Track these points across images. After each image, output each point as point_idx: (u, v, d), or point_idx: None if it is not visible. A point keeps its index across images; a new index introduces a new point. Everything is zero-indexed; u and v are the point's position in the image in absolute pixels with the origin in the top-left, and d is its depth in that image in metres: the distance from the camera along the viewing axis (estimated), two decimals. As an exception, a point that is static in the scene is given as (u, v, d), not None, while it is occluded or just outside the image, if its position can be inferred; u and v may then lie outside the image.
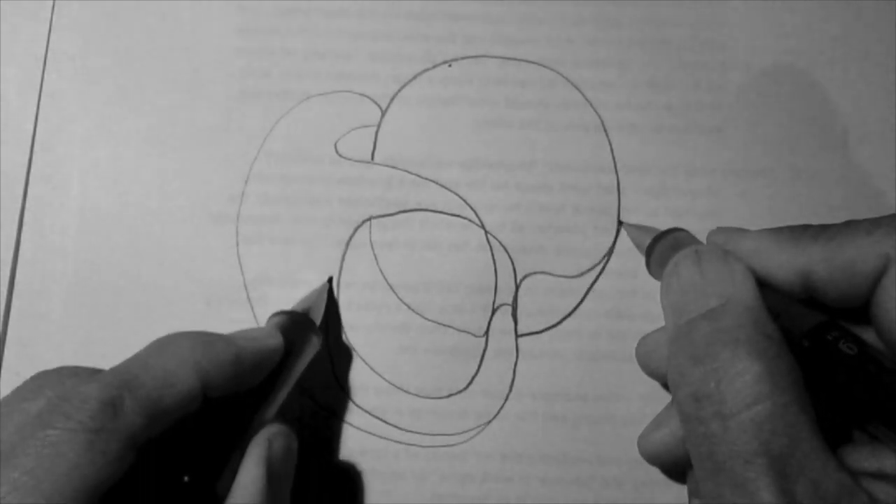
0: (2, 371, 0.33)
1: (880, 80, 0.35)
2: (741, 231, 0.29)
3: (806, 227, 0.27)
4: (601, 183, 0.34)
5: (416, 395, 0.33)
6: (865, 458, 0.25)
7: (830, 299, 0.27)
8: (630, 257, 0.34)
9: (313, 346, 0.31)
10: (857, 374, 0.24)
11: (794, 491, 0.23)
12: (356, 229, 0.34)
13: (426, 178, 0.35)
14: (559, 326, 0.33)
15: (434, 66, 0.35)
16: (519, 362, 0.33)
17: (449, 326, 0.34)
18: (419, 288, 0.34)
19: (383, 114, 0.35)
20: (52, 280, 0.34)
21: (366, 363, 0.33)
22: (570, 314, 0.34)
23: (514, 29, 0.36)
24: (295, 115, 0.35)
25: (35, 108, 0.35)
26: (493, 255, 0.34)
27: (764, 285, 0.27)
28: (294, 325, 0.30)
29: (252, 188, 0.35)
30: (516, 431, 0.33)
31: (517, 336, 0.33)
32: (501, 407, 0.33)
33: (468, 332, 0.33)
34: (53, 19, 0.36)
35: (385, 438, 0.33)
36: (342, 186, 0.35)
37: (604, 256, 0.34)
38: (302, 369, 0.30)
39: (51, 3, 0.36)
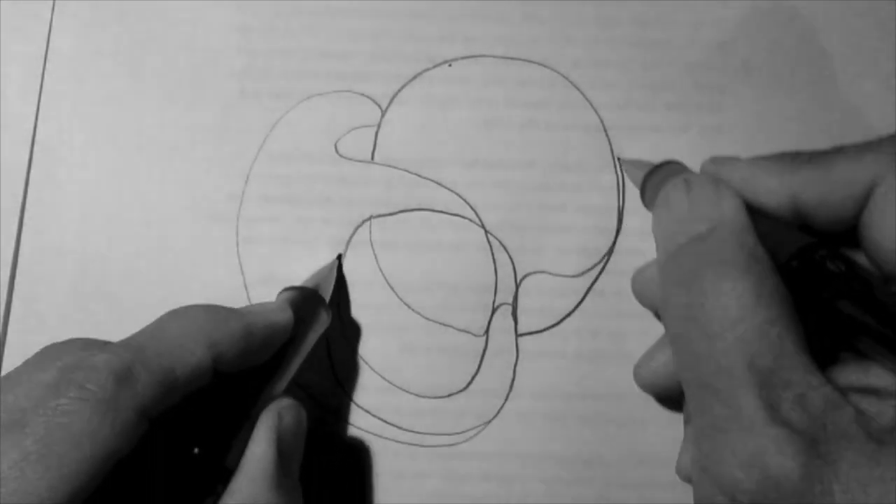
0: (2, 371, 0.33)
1: (887, 81, 0.35)
2: (733, 159, 0.29)
3: (797, 153, 0.28)
4: (601, 183, 0.34)
5: (416, 394, 0.33)
6: (853, 374, 0.25)
7: (820, 223, 0.27)
8: (630, 257, 0.34)
9: (323, 322, 0.31)
10: (844, 292, 0.24)
11: (779, 404, 0.23)
12: (356, 229, 0.34)
13: (426, 178, 0.35)
14: (559, 326, 0.33)
15: (434, 66, 0.35)
16: (519, 362, 0.33)
17: (449, 326, 0.34)
18: (419, 288, 0.34)
19: (383, 114, 0.35)
20: (52, 280, 0.34)
21: (366, 363, 0.33)
22: (570, 314, 0.34)
23: (514, 29, 0.36)
24: (295, 115, 0.35)
25: (35, 108, 0.35)
26: (493, 254, 0.34)
27: (754, 210, 0.27)
28: (304, 300, 0.30)
29: (252, 188, 0.35)
30: (516, 431, 0.33)
31: (517, 336, 0.33)
32: (501, 407, 0.33)
33: (468, 332, 0.33)
34: (53, 19, 0.36)
35: (385, 438, 0.33)
36: (342, 186, 0.35)
37: (604, 256, 0.34)
38: (312, 345, 0.30)
39: (51, 3, 0.36)
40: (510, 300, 0.34)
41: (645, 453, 0.33)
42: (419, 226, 0.34)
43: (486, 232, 0.34)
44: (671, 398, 0.33)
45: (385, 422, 0.33)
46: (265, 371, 0.28)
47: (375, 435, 0.33)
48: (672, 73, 0.35)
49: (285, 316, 0.29)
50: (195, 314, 0.26)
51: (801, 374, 0.23)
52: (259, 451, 0.26)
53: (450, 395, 0.33)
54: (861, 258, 0.26)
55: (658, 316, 0.33)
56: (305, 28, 0.36)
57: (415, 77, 0.35)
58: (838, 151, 0.27)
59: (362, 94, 0.35)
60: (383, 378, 0.33)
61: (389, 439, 0.33)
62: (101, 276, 0.34)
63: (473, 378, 0.33)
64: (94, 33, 0.36)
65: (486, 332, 0.33)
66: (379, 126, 0.35)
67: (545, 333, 0.34)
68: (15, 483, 0.21)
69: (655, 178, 0.30)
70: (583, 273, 0.34)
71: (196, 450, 0.25)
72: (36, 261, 0.34)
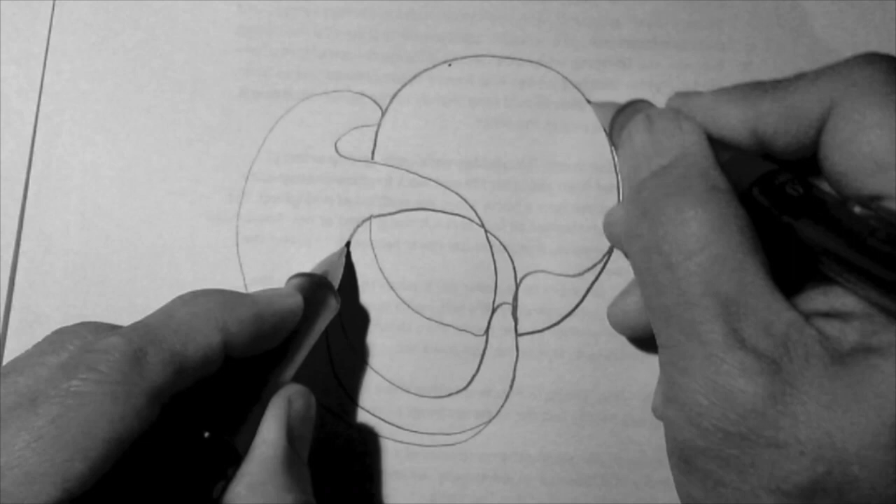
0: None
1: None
2: (697, 93, 0.29)
3: (758, 83, 0.28)
4: (601, 183, 0.34)
5: (416, 394, 0.33)
6: (818, 299, 0.25)
7: (781, 150, 0.27)
8: (630, 257, 0.34)
9: (332, 308, 0.31)
10: (804, 215, 0.24)
11: (741, 330, 0.23)
12: (356, 229, 0.34)
13: (426, 178, 0.35)
14: (559, 325, 0.33)
15: (434, 66, 0.35)
16: (519, 361, 0.33)
17: (449, 325, 0.33)
18: (419, 287, 0.34)
19: (383, 113, 0.35)
20: (52, 280, 0.34)
21: (366, 362, 0.33)
22: (570, 313, 0.34)
23: (514, 29, 0.36)
24: (295, 114, 0.35)
25: (35, 108, 0.35)
26: (493, 254, 0.34)
27: (717, 141, 0.27)
28: (313, 287, 0.30)
29: (252, 188, 0.35)
30: (516, 431, 0.33)
31: (517, 335, 0.33)
32: (501, 406, 0.33)
33: (468, 332, 0.33)
34: (53, 19, 0.36)
35: (385, 438, 0.33)
36: (342, 186, 0.35)
37: (604, 256, 0.34)
38: (320, 331, 0.30)
39: (51, 3, 0.36)
40: (510, 300, 0.34)
41: (644, 453, 0.33)
42: (419, 226, 0.34)
43: (486, 232, 0.34)
44: (642, 338, 0.32)
45: (385, 421, 0.33)
46: (274, 356, 0.28)
47: (375, 435, 0.33)
48: (672, 72, 0.35)
49: (295, 302, 0.29)
50: (206, 299, 0.26)
51: (764, 300, 0.23)
52: (270, 435, 0.26)
53: (450, 395, 0.33)
54: (824, 184, 0.26)
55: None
56: (305, 28, 0.36)
57: (415, 77, 0.35)
58: (796, 78, 0.27)
59: (362, 94, 0.35)
60: (383, 378, 0.33)
61: (389, 439, 0.33)
62: (101, 275, 0.34)
63: (473, 378, 0.33)
64: (94, 33, 0.36)
65: (486, 331, 0.33)
66: (379, 126, 0.35)
67: (545, 333, 0.33)
68: (28, 463, 0.21)
69: (622, 118, 0.30)
70: (583, 273, 0.34)
71: (206, 433, 0.25)
72: (36, 261, 0.34)
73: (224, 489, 0.25)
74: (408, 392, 0.33)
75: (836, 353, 0.23)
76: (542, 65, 0.35)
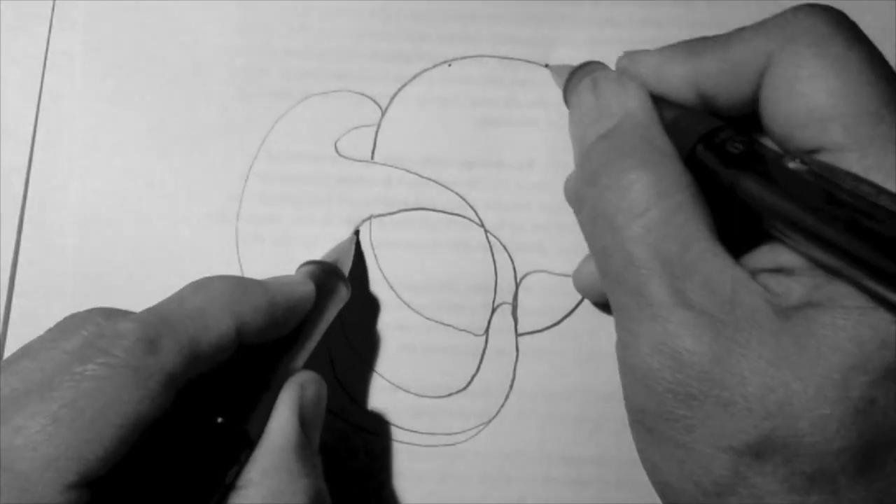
0: (1, 371, 0.33)
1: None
2: (643, 52, 0.29)
3: (702, 39, 0.28)
4: (601, 182, 0.34)
5: (415, 394, 0.33)
6: (765, 256, 0.25)
7: (723, 107, 0.27)
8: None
9: (342, 296, 0.31)
10: (744, 172, 0.24)
11: (685, 289, 0.23)
12: (356, 228, 0.34)
13: (426, 178, 0.35)
14: (559, 325, 0.33)
15: (434, 66, 0.35)
16: (519, 361, 0.33)
17: (449, 325, 0.33)
18: (419, 287, 0.34)
19: (383, 113, 0.35)
20: (52, 280, 0.34)
21: (366, 362, 0.33)
22: (570, 313, 0.34)
23: (514, 29, 0.36)
24: (295, 114, 0.35)
25: (35, 108, 0.35)
26: (492, 254, 0.34)
27: (662, 100, 0.27)
28: (324, 274, 0.30)
29: (252, 188, 0.35)
30: (516, 431, 0.33)
31: (517, 335, 0.33)
32: (501, 406, 0.33)
33: (468, 332, 0.33)
34: (53, 19, 0.36)
35: (385, 438, 0.33)
36: (342, 186, 0.35)
37: (604, 256, 0.34)
38: (331, 319, 0.30)
39: (51, 3, 0.36)
40: (510, 300, 0.34)
41: (645, 453, 0.33)
42: (419, 225, 0.34)
43: (486, 232, 0.34)
44: (606, 303, 0.33)
45: (385, 421, 0.33)
46: (285, 343, 0.28)
47: (375, 434, 0.33)
48: (672, 72, 0.35)
49: (307, 289, 0.29)
50: (220, 285, 0.26)
51: (708, 258, 0.23)
52: (282, 421, 0.26)
53: (450, 395, 0.33)
54: (769, 139, 0.26)
55: None
56: (305, 28, 0.36)
57: (415, 77, 0.35)
58: (737, 32, 0.27)
59: (362, 94, 0.35)
60: (383, 378, 0.33)
61: (389, 439, 0.33)
62: (101, 276, 0.34)
63: (473, 378, 0.33)
64: (94, 33, 0.36)
65: (486, 331, 0.33)
66: (379, 126, 0.35)
67: (545, 333, 0.33)
68: (44, 447, 0.21)
69: (575, 80, 0.30)
70: (583, 273, 0.34)
71: (219, 419, 0.25)
72: (36, 261, 0.34)
73: (237, 475, 0.25)
74: (408, 392, 0.33)
75: (782, 308, 0.22)
76: (542, 65, 0.35)
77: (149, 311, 0.25)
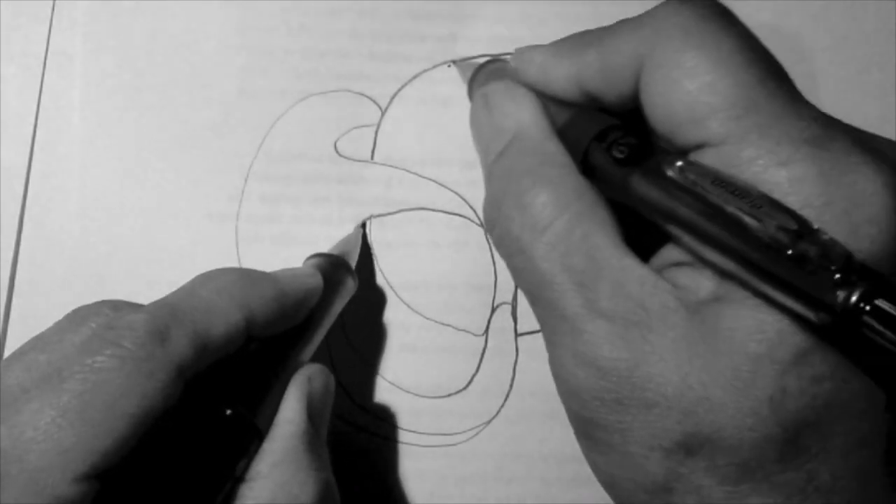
0: (1, 371, 0.33)
1: (881, 82, 0.35)
2: (531, 49, 0.28)
3: (586, 34, 0.27)
4: (601, 182, 0.34)
5: (415, 394, 0.33)
6: (673, 249, 0.25)
7: (611, 105, 0.27)
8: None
9: (349, 288, 0.31)
10: (632, 172, 0.24)
11: (596, 298, 0.23)
12: (356, 228, 0.34)
13: (426, 178, 0.35)
14: (559, 325, 0.33)
15: (434, 67, 0.35)
16: (519, 361, 0.33)
17: (448, 325, 0.33)
18: (419, 287, 0.34)
19: (383, 113, 0.35)
20: (52, 280, 0.34)
21: (366, 362, 0.33)
22: (570, 313, 0.33)
23: (514, 29, 0.36)
24: (294, 114, 0.35)
25: (35, 108, 0.35)
26: (492, 254, 0.34)
27: (554, 102, 0.27)
28: (331, 267, 0.30)
29: (251, 187, 0.35)
30: (516, 431, 0.33)
31: (517, 335, 0.33)
32: (501, 406, 0.33)
33: (468, 332, 0.33)
34: (53, 19, 0.36)
35: (385, 438, 0.33)
36: (342, 186, 0.35)
37: (604, 256, 0.34)
38: (338, 312, 0.30)
39: (51, 3, 0.36)
40: (510, 299, 0.34)
41: (645, 453, 0.33)
42: (419, 226, 0.34)
43: (486, 232, 0.34)
44: None
45: (385, 421, 0.33)
46: (293, 336, 0.28)
47: (375, 434, 0.33)
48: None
49: (316, 281, 0.29)
50: (229, 277, 0.26)
51: (614, 263, 0.24)
52: (290, 414, 0.26)
53: (450, 395, 0.33)
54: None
55: None
56: (305, 28, 0.36)
57: (415, 77, 0.35)
58: (615, 28, 0.26)
59: (362, 94, 0.35)
60: (383, 378, 0.33)
61: (389, 439, 0.33)
62: (101, 276, 0.34)
63: (473, 378, 0.33)
64: (94, 33, 0.36)
65: (486, 331, 0.33)
66: (379, 126, 0.35)
67: (545, 333, 0.33)
68: (54, 439, 0.21)
69: (479, 79, 0.30)
70: (583, 273, 0.34)
71: (228, 411, 0.25)
72: (36, 261, 0.34)
73: (246, 467, 0.25)
74: (408, 392, 0.33)
75: (692, 303, 0.23)
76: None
77: (158, 302, 0.25)
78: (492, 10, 0.36)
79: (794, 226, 0.20)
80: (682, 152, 0.24)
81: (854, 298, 0.19)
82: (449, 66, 0.34)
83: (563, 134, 0.26)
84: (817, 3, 0.36)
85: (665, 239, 0.26)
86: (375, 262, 0.34)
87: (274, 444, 0.25)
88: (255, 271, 0.27)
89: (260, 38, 0.36)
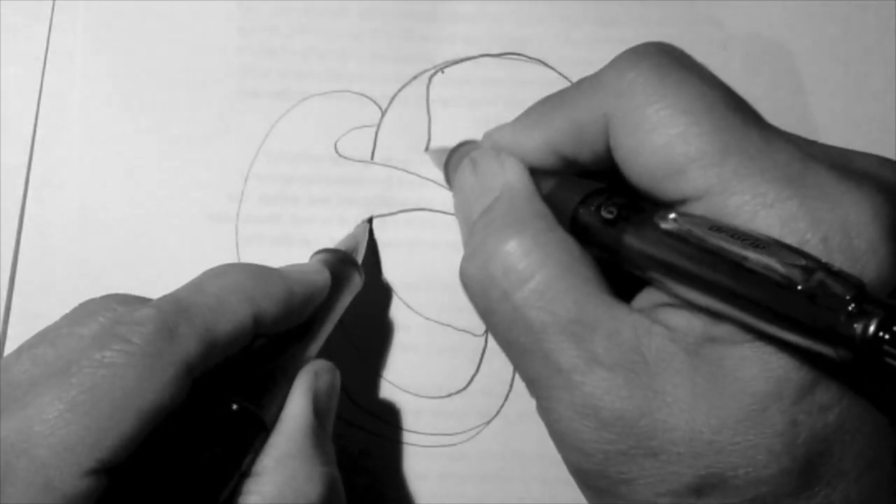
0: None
1: (880, 82, 0.35)
2: (500, 128, 0.29)
3: (551, 99, 0.27)
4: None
5: (415, 394, 0.33)
6: (650, 294, 0.25)
7: (588, 166, 0.27)
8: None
9: (356, 284, 0.31)
10: (621, 233, 0.24)
11: (592, 348, 0.23)
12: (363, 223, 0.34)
13: (426, 178, 0.35)
14: (559, 326, 0.33)
15: (434, 67, 0.35)
16: (519, 361, 0.33)
17: (448, 325, 0.33)
18: (419, 287, 0.34)
19: (383, 114, 0.35)
20: (52, 280, 0.34)
21: (366, 362, 0.33)
22: (570, 313, 0.33)
23: (514, 29, 0.36)
24: (295, 114, 0.35)
25: (35, 108, 0.35)
26: (492, 254, 0.34)
27: (540, 171, 0.27)
28: (338, 263, 0.30)
29: (251, 188, 0.35)
30: (516, 431, 0.33)
31: (517, 335, 0.33)
32: (501, 406, 0.33)
33: (468, 332, 0.33)
34: (53, 19, 0.36)
35: (385, 438, 0.33)
36: (342, 186, 0.35)
37: (604, 256, 0.34)
38: (344, 307, 0.30)
39: (51, 3, 0.36)
40: (510, 300, 0.34)
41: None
42: (419, 226, 0.34)
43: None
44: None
45: (385, 421, 0.33)
46: (300, 331, 0.28)
47: (375, 435, 0.33)
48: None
49: (323, 277, 0.29)
50: (236, 273, 0.26)
51: (605, 312, 0.23)
52: (296, 409, 0.26)
53: (450, 395, 0.33)
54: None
55: None
56: (305, 28, 0.36)
57: (415, 77, 0.35)
58: (576, 89, 0.26)
59: (362, 94, 0.35)
60: (383, 378, 0.33)
61: (389, 439, 0.33)
62: (101, 276, 0.34)
63: (473, 378, 0.33)
64: (94, 33, 0.36)
65: (486, 331, 0.33)
66: (379, 126, 0.35)
67: (545, 333, 0.33)
68: (63, 433, 0.21)
69: (454, 161, 0.31)
70: (583, 273, 0.34)
71: (235, 406, 0.25)
72: (36, 261, 0.34)
73: (252, 461, 0.25)
74: (408, 392, 0.33)
75: (689, 345, 0.23)
76: (543, 63, 0.35)
77: (166, 298, 0.25)
78: (491, 9, 0.36)
79: (802, 262, 0.20)
80: (670, 206, 0.24)
81: (872, 328, 0.19)
82: (425, 151, 0.35)
83: (549, 200, 0.27)
84: (819, 2, 0.36)
85: (643, 283, 0.25)
86: (380, 258, 0.34)
87: (280, 439, 0.25)
88: (264, 268, 0.27)
89: (260, 38, 0.36)
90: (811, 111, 0.35)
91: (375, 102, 0.35)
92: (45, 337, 0.24)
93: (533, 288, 0.24)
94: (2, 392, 0.23)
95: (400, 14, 0.36)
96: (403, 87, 0.35)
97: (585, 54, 0.35)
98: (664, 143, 0.23)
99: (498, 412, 0.33)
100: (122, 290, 0.33)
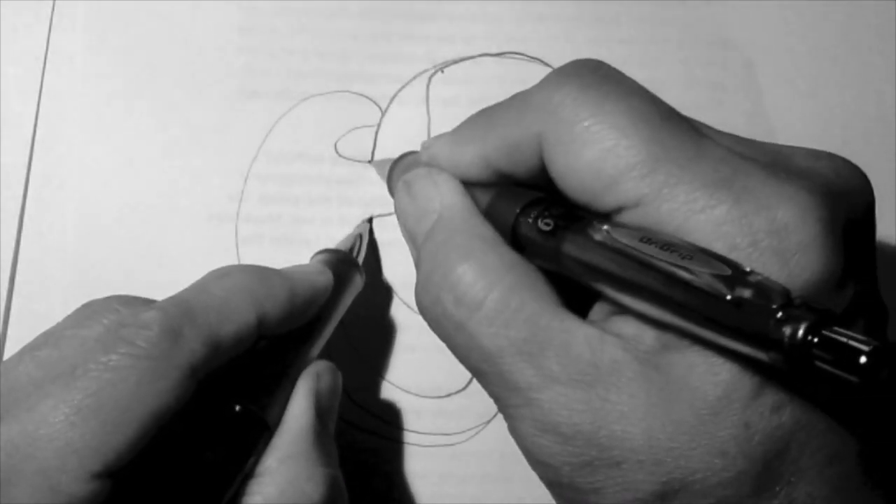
0: (1, 371, 0.33)
1: (880, 82, 0.35)
2: (436, 138, 0.29)
3: (481, 114, 0.27)
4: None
5: (415, 394, 0.33)
6: (605, 304, 0.25)
7: (525, 180, 0.26)
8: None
9: (357, 284, 0.31)
10: (561, 242, 0.24)
11: (545, 365, 0.23)
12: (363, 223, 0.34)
13: (426, 178, 0.35)
14: (559, 326, 0.33)
15: (434, 67, 0.35)
16: (519, 362, 0.33)
17: (449, 326, 0.33)
18: (419, 287, 0.34)
19: (383, 114, 0.35)
20: (52, 280, 0.34)
21: (366, 362, 0.33)
22: (569, 313, 0.33)
23: (514, 28, 0.36)
24: (294, 115, 0.35)
25: (35, 108, 0.35)
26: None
27: (476, 185, 0.27)
28: (340, 263, 0.30)
29: (252, 188, 0.35)
30: (516, 431, 0.33)
31: (517, 335, 0.33)
32: (501, 406, 0.33)
33: (468, 332, 0.33)
34: (53, 19, 0.36)
35: (385, 438, 0.33)
36: (342, 186, 0.35)
37: (604, 256, 0.34)
38: (346, 308, 0.31)
39: (51, 3, 0.36)
40: (510, 300, 0.34)
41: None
42: (419, 226, 0.34)
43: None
44: None
45: (385, 421, 0.33)
46: (302, 332, 0.28)
47: (375, 435, 0.33)
48: (671, 71, 0.35)
49: (326, 278, 0.29)
50: (240, 275, 0.26)
51: (556, 326, 0.23)
52: (299, 410, 0.26)
53: (449, 395, 0.33)
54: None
55: None
56: (305, 28, 0.36)
57: (415, 77, 0.35)
58: (509, 106, 0.26)
59: (362, 95, 0.35)
60: (384, 378, 0.33)
61: (389, 439, 0.33)
62: (101, 276, 0.34)
63: (473, 378, 0.33)
64: (94, 33, 0.36)
65: (486, 331, 0.33)
66: (379, 126, 0.35)
67: (545, 333, 0.33)
68: (68, 437, 0.21)
69: (396, 174, 0.31)
70: (583, 273, 0.34)
71: (238, 407, 0.25)
72: (36, 261, 0.34)
73: (255, 462, 0.25)
74: (408, 392, 0.33)
75: (641, 354, 0.23)
76: (542, 62, 0.35)
77: (171, 300, 0.25)
78: (491, 9, 0.36)
79: (727, 271, 0.20)
80: (607, 215, 0.24)
81: (801, 333, 0.19)
82: (369, 162, 0.35)
83: (489, 214, 0.26)
84: (819, 2, 0.36)
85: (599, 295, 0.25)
86: (381, 258, 0.34)
87: (283, 440, 0.25)
88: (267, 269, 0.27)
89: (260, 38, 0.36)
90: (811, 111, 0.35)
91: (375, 102, 0.35)
92: (48, 339, 0.24)
93: (484, 315, 0.24)
94: (5, 395, 0.23)
95: (400, 14, 0.36)
96: (403, 87, 0.35)
97: (585, 54, 0.35)
98: (596, 159, 0.23)
99: (497, 412, 0.33)
100: (122, 291, 0.34)
